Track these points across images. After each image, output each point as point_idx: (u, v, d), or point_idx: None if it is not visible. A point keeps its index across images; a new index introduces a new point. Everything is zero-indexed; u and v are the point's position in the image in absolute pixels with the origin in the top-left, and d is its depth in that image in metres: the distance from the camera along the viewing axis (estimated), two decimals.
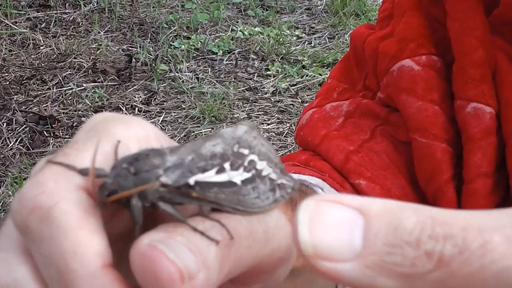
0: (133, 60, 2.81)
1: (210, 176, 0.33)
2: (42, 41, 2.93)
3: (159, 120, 2.50)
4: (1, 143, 2.37)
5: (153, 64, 2.78)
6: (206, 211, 0.32)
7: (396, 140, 0.67)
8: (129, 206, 0.32)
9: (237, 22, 3.19)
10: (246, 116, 2.55)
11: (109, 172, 0.32)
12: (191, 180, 0.32)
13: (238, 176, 0.33)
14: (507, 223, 0.27)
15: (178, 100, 2.62)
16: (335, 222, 0.27)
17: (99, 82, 2.69)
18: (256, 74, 2.81)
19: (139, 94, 2.64)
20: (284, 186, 0.35)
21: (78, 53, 2.83)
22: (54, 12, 3.15)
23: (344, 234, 0.27)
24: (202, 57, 2.90)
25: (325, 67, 2.87)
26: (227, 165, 0.33)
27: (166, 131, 2.46)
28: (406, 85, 0.64)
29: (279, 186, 0.35)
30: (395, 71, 0.66)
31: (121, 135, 0.34)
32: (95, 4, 3.23)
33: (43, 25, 3.06)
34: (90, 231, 0.31)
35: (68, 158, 0.33)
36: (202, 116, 2.51)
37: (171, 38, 3.02)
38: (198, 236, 0.31)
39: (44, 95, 2.60)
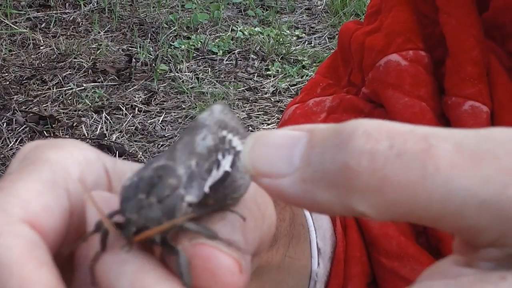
0: (133, 60, 2.81)
1: (215, 175, 0.31)
2: (42, 41, 2.93)
3: (159, 120, 2.50)
4: (1, 143, 2.37)
5: (153, 64, 2.78)
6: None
7: None
8: (163, 245, 0.28)
9: (237, 22, 3.19)
10: (246, 116, 2.55)
11: (122, 206, 0.29)
12: (206, 188, 0.30)
13: (227, 163, 0.31)
14: (460, 131, 0.24)
15: (178, 100, 2.62)
16: (278, 141, 0.26)
17: (99, 82, 2.69)
18: (256, 74, 2.81)
19: (139, 94, 2.64)
20: None
21: (78, 53, 2.83)
22: (54, 12, 3.15)
23: (284, 150, 0.26)
24: (202, 57, 2.90)
25: None
26: (220, 157, 0.31)
27: (166, 131, 2.46)
28: (392, 80, 0.63)
29: (238, 154, 0.33)
30: (381, 66, 0.65)
31: (57, 159, 0.31)
32: (95, 4, 3.23)
33: (43, 25, 3.06)
34: (37, 264, 0.28)
35: (3, 191, 0.30)
36: None
37: (171, 38, 3.02)
38: (220, 228, 0.30)
39: (44, 95, 2.60)
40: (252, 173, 0.27)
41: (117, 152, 2.30)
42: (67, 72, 2.73)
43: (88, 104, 2.55)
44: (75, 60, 2.80)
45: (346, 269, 0.57)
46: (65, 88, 2.64)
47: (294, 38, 3.10)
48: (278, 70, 2.82)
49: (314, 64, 2.88)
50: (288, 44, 3.00)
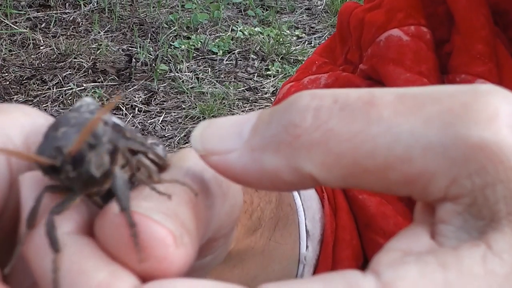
0: (133, 60, 2.81)
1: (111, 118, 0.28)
2: (42, 41, 2.93)
3: (159, 120, 2.50)
4: None
5: (153, 64, 2.78)
6: (154, 174, 0.28)
7: None
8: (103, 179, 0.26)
9: (237, 22, 3.19)
10: None
11: (39, 150, 0.26)
12: (110, 120, 0.28)
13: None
14: (403, 88, 0.24)
15: (178, 100, 2.62)
16: (229, 122, 0.27)
17: (99, 82, 2.68)
18: (256, 74, 2.80)
19: (139, 94, 2.64)
20: (157, 144, 0.31)
21: (78, 53, 2.83)
22: (54, 12, 3.15)
23: (234, 128, 0.26)
24: (202, 57, 2.90)
25: None
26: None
27: (166, 131, 2.46)
28: (393, 56, 0.63)
29: (153, 145, 0.31)
30: (382, 41, 0.64)
31: None
32: (95, 4, 3.23)
33: (43, 25, 3.06)
34: None
35: None
36: (202, 116, 2.50)
37: (171, 38, 3.02)
38: (166, 199, 0.26)
39: (44, 95, 2.60)
40: (202, 153, 0.26)
41: None
42: (67, 72, 2.73)
43: None
44: (75, 60, 2.80)
45: (335, 252, 0.56)
46: (65, 88, 2.64)
47: (294, 38, 3.10)
48: (278, 70, 2.82)
49: None
50: (288, 44, 3.00)
